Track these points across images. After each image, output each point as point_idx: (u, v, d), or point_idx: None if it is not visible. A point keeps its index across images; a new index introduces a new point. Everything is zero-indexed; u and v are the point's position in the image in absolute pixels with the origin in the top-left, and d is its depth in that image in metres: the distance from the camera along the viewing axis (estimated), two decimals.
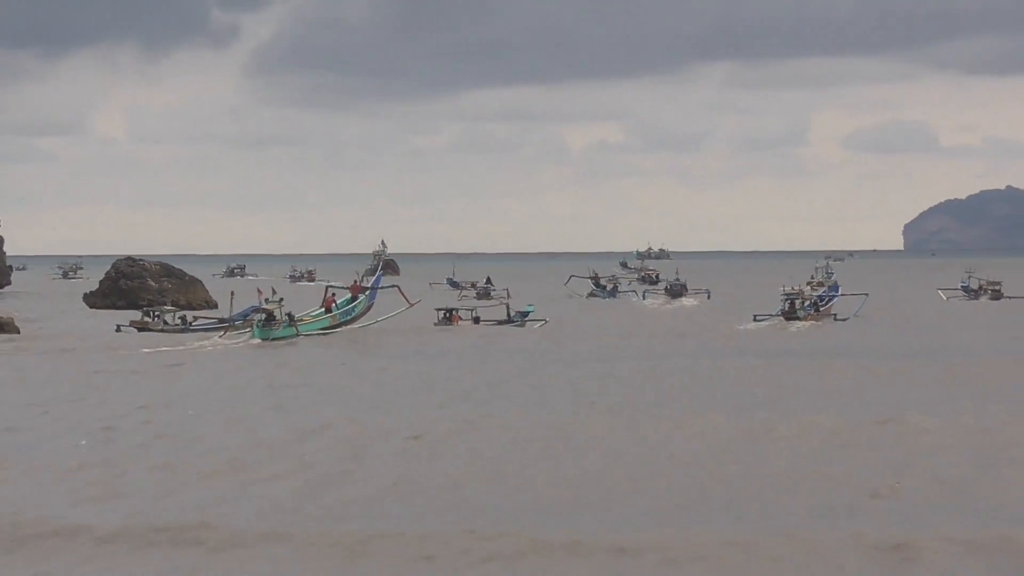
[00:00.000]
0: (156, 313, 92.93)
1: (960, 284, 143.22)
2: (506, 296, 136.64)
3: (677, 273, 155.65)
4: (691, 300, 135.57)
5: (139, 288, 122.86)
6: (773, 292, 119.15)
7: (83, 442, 42.20)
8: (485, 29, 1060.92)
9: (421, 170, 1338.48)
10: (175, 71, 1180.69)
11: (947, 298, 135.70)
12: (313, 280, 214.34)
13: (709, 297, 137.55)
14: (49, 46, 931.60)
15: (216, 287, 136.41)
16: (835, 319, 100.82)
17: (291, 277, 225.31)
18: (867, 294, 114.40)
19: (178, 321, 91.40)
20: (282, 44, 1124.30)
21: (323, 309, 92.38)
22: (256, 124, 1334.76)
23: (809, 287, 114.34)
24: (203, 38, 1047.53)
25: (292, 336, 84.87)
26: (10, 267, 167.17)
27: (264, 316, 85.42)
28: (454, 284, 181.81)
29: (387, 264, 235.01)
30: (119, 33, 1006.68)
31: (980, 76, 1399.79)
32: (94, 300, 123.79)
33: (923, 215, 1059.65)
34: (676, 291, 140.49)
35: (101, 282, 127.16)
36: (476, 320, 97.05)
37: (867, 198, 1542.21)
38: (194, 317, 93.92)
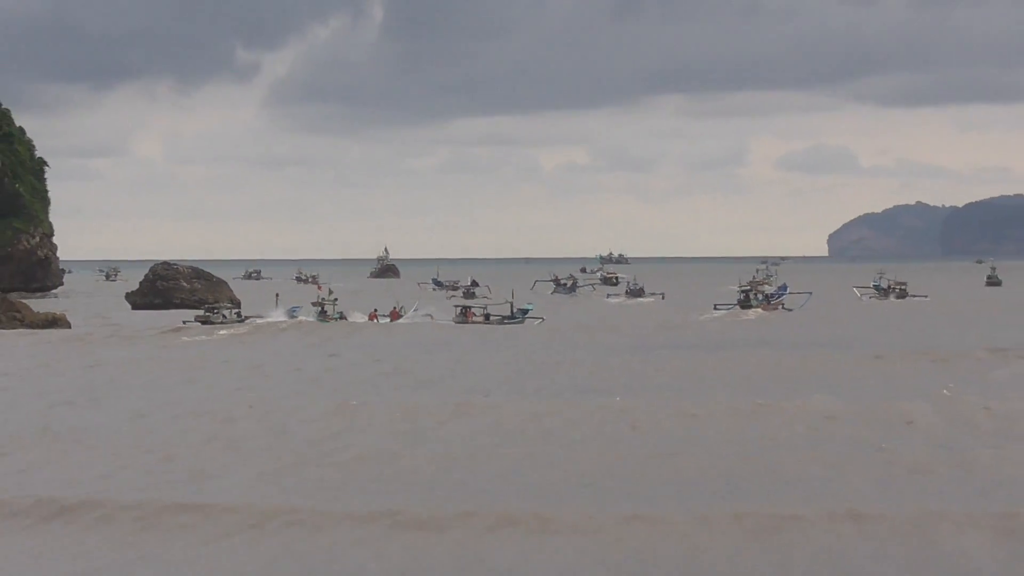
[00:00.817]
0: (216, 310, 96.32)
1: (872, 284, 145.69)
2: (488, 293, 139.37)
3: (635, 278, 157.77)
4: (648, 299, 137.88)
5: (173, 288, 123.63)
6: (716, 292, 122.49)
7: (250, 407, 45.58)
8: (470, 68, 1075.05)
9: (415, 187, 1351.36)
10: (205, 102, 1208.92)
11: (861, 295, 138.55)
12: (317, 283, 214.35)
13: (664, 298, 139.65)
14: (98, 81, 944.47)
15: (237, 288, 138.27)
16: (783, 308, 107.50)
17: (297, 279, 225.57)
18: (811, 292, 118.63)
19: (234, 316, 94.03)
20: (296, 79, 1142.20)
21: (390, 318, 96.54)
22: (273, 147, 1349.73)
23: (764, 284, 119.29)
24: (229, 74, 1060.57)
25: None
26: (62, 270, 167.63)
27: (321, 309, 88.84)
28: (438, 284, 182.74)
29: (389, 267, 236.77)
30: (157, 70, 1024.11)
31: (894, 107, 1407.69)
32: (135, 299, 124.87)
33: (845, 226, 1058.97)
34: (635, 292, 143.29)
35: (141, 283, 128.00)
36: (487, 317, 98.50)
37: (796, 211, 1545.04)
38: (245, 316, 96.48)
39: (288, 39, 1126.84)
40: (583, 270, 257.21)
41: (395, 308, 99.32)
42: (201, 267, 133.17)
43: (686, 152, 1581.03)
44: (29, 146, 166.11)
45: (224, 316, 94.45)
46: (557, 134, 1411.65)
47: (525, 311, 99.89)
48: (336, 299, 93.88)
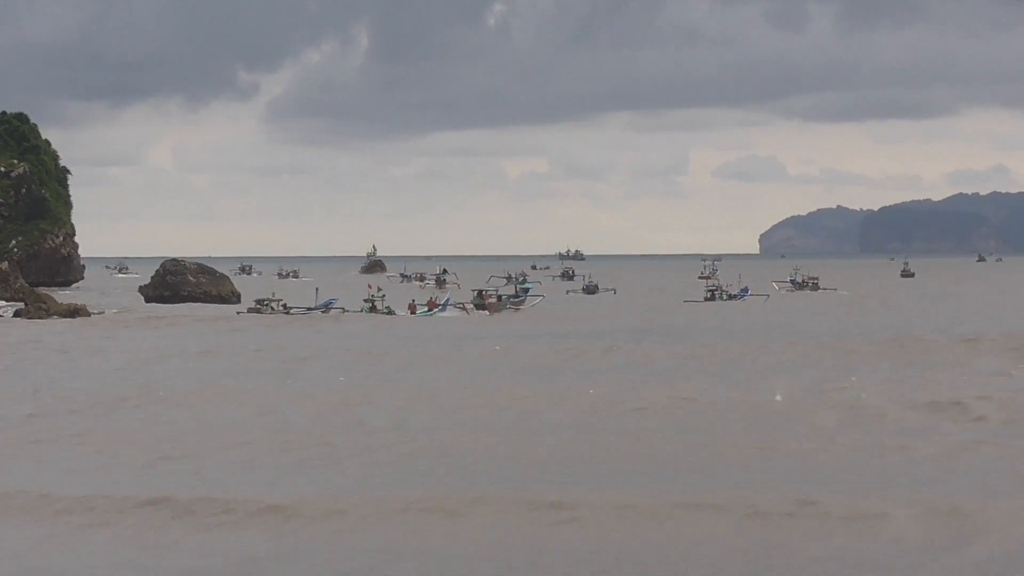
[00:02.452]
0: (265, 302, 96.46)
1: (788, 279, 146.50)
2: (455, 279, 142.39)
3: (590, 275, 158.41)
4: (602, 295, 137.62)
5: (182, 282, 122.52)
6: (662, 288, 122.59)
7: (341, 378, 46.22)
8: (444, 89, 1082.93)
9: (396, 193, 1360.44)
10: (211, 118, 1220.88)
11: (779, 288, 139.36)
12: (297, 277, 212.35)
13: (615, 293, 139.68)
14: (116, 99, 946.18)
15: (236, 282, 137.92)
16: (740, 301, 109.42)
17: (279, 275, 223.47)
18: (768, 295, 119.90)
19: (281, 308, 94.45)
20: (292, 98, 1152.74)
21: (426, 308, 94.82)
22: (271, 158, 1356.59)
23: (729, 285, 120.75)
24: (232, 93, 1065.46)
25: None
26: (83, 266, 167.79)
27: (371, 305, 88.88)
28: (404, 276, 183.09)
29: (377, 263, 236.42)
30: (168, 89, 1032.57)
31: (818, 122, 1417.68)
32: (147, 291, 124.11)
33: (774, 227, 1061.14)
34: (591, 289, 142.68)
35: (152, 277, 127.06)
36: (499, 298, 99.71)
37: (731, 214, 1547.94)
38: (290, 308, 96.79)
39: (284, 62, 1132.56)
40: (534, 267, 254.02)
41: (431, 299, 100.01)
42: (202, 263, 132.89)
43: (634, 162, 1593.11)
44: (54, 156, 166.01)
45: (272, 308, 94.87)
46: (520, 146, 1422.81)
47: (526, 289, 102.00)
48: (384, 295, 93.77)
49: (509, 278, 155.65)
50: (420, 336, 71.60)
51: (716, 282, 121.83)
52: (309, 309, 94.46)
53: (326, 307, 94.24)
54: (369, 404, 38.38)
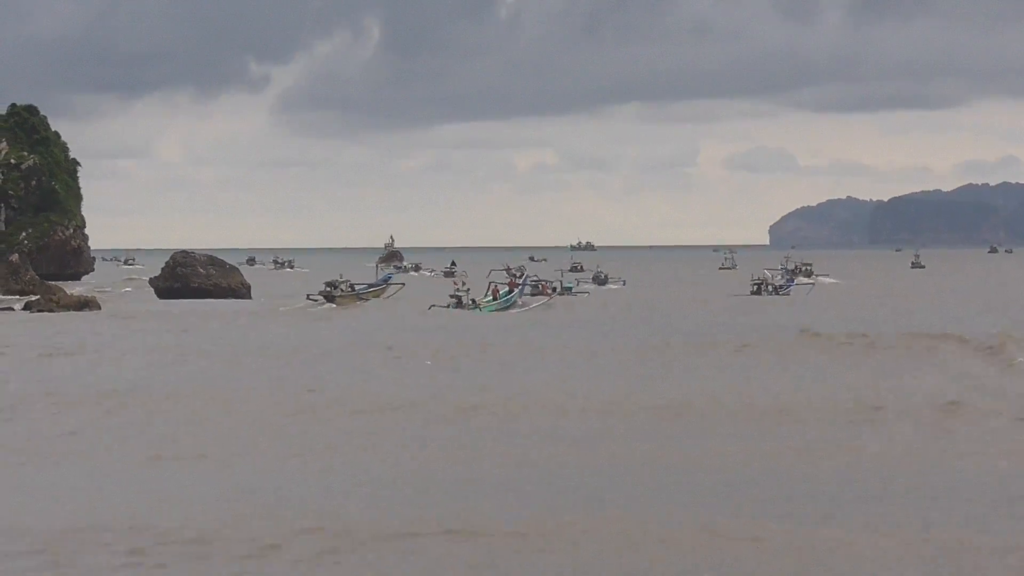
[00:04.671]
0: (336, 285, 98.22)
1: (780, 267, 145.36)
2: (465, 275, 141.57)
3: (599, 266, 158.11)
4: (612, 286, 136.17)
5: (192, 274, 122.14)
6: (671, 280, 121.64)
7: (428, 362, 45.91)
8: (452, 81, 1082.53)
9: (403, 185, 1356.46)
10: (220, 110, 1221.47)
11: (772, 276, 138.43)
12: (293, 268, 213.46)
13: (624, 284, 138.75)
14: (125, 92, 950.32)
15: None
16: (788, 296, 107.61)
17: (274, 263, 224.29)
18: (813, 284, 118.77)
19: (349, 289, 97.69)
20: (301, 90, 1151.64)
21: (491, 296, 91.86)
22: (280, 150, 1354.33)
23: (770, 273, 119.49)
24: (242, 85, 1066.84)
25: (474, 310, 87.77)
26: (93, 258, 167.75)
27: (457, 299, 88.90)
28: (398, 268, 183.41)
29: (394, 254, 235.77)
30: (178, 82, 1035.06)
31: (827, 113, 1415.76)
32: (158, 283, 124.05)
33: (783, 218, 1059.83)
34: (601, 280, 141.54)
35: (162, 269, 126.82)
36: (554, 290, 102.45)
37: (740, 206, 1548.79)
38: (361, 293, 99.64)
39: (294, 55, 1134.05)
40: (531, 259, 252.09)
41: (511, 280, 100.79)
42: (212, 255, 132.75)
43: (642, 154, 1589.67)
44: (64, 148, 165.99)
45: (342, 290, 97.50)
46: (528, 138, 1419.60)
47: (569, 288, 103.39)
48: (468, 288, 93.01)
49: (508, 270, 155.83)
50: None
51: (765, 274, 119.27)
52: (370, 286, 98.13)
53: (385, 282, 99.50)
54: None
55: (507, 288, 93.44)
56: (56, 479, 25.15)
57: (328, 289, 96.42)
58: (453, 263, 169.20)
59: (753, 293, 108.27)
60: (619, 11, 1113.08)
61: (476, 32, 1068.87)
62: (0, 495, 23.67)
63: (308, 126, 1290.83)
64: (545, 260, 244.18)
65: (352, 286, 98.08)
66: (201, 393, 38.32)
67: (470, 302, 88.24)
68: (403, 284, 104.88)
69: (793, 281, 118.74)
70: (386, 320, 77.84)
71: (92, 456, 27.82)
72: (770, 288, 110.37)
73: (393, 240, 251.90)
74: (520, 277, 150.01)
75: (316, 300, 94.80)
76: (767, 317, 76.77)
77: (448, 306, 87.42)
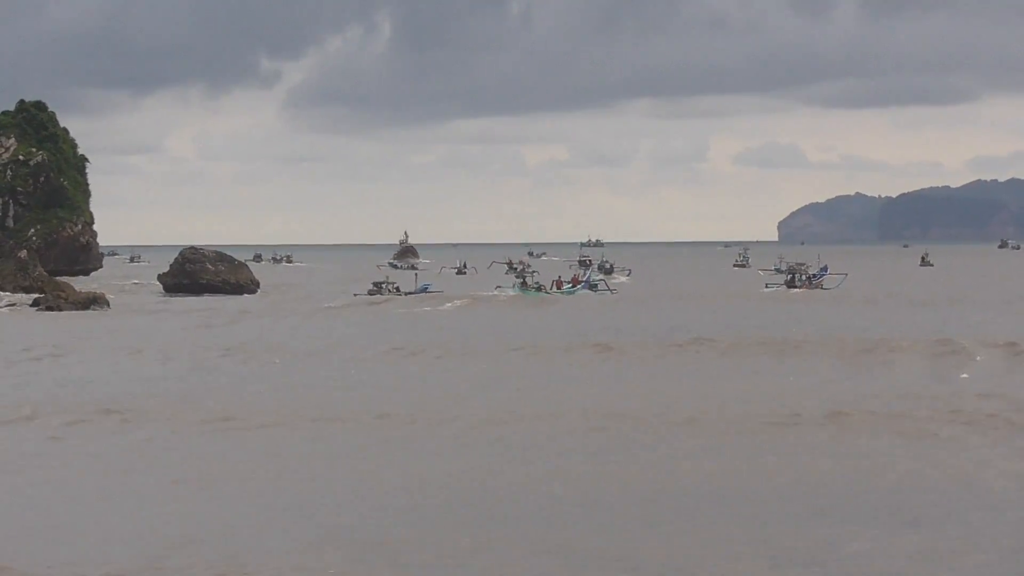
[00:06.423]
0: (383, 284, 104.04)
1: (774, 267, 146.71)
2: (475, 272, 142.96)
3: (604, 256, 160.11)
4: (619, 277, 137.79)
5: (200, 270, 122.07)
6: (680, 273, 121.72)
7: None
8: (465, 76, 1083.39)
9: (416, 181, 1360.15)
10: (232, 106, 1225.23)
11: (763, 273, 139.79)
12: (291, 263, 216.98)
13: (630, 274, 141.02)
14: (137, 87, 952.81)
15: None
16: (823, 288, 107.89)
17: (273, 259, 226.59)
18: (847, 274, 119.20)
19: (394, 290, 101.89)
20: (313, 85, 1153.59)
21: (556, 288, 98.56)
22: (292, 146, 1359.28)
23: (805, 265, 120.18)
24: (254, 80, 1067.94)
25: (537, 295, 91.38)
26: (101, 254, 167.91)
27: (521, 281, 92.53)
28: (393, 265, 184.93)
29: (409, 249, 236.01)
30: (190, 77, 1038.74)
31: (837, 109, 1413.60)
32: (166, 279, 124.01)
33: (792, 214, 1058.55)
34: (607, 269, 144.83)
35: (171, 265, 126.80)
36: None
37: (750, 201, 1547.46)
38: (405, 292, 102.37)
39: (307, 50, 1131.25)
40: (531, 254, 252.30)
41: (575, 275, 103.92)
42: (220, 251, 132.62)
43: (654, 149, 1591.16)
44: (72, 144, 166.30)
45: (388, 291, 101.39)
46: (541, 133, 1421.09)
47: (594, 285, 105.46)
48: (535, 271, 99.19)
49: (510, 264, 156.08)
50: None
51: (794, 264, 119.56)
52: (407, 293, 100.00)
53: (423, 291, 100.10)
54: None
55: (571, 283, 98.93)
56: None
57: (374, 288, 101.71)
58: (464, 264, 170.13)
59: (789, 285, 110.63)
60: (631, 7, 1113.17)
61: (488, 27, 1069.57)
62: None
63: (320, 121, 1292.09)
64: (544, 255, 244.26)
65: (398, 288, 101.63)
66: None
67: (535, 286, 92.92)
68: (442, 291, 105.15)
69: (827, 270, 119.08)
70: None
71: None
72: (803, 277, 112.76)
73: (407, 236, 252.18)
74: (517, 268, 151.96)
75: (360, 295, 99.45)
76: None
77: (513, 286, 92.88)
